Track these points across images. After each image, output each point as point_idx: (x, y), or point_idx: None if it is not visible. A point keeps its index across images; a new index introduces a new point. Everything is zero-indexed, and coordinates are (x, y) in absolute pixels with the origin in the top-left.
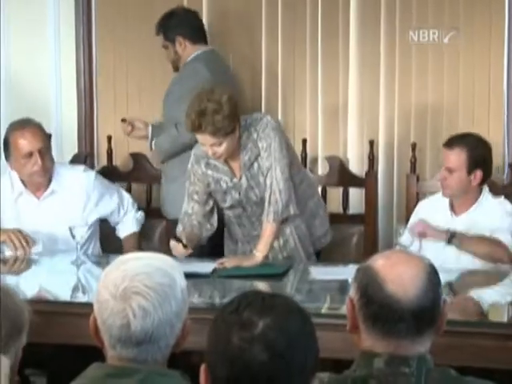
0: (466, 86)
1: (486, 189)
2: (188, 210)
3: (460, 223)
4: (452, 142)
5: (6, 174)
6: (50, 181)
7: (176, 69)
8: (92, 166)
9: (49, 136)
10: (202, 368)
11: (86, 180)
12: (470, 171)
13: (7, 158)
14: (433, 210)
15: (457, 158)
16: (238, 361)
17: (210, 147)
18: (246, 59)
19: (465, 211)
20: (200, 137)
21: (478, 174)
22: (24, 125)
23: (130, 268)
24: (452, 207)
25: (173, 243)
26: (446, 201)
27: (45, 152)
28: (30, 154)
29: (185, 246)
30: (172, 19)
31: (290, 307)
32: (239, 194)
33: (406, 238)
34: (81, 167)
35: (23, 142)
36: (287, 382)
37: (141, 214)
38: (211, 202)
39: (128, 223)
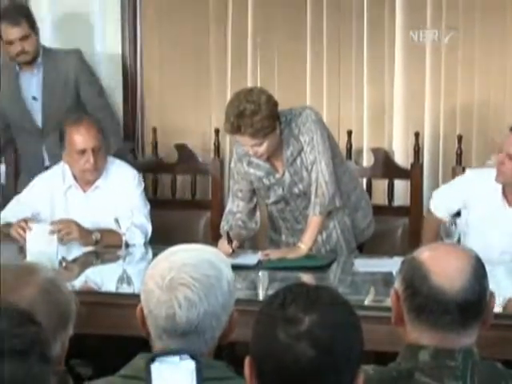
0: None
1: None
2: (233, 208)
3: None
4: None
5: (60, 166)
6: (99, 177)
7: (31, 60)
8: (136, 158)
9: (103, 134)
10: (247, 361)
11: (132, 179)
12: None
13: (62, 149)
14: (483, 190)
15: None
16: (285, 357)
17: (251, 147)
18: (291, 53)
19: None
20: (240, 138)
21: None
22: (81, 120)
23: (177, 259)
24: (505, 195)
25: (221, 240)
26: (499, 187)
27: (98, 150)
28: (83, 151)
29: (229, 242)
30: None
31: (334, 300)
32: (282, 189)
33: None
34: (129, 167)
35: (78, 137)
36: (334, 375)
37: (138, 241)
38: (255, 199)
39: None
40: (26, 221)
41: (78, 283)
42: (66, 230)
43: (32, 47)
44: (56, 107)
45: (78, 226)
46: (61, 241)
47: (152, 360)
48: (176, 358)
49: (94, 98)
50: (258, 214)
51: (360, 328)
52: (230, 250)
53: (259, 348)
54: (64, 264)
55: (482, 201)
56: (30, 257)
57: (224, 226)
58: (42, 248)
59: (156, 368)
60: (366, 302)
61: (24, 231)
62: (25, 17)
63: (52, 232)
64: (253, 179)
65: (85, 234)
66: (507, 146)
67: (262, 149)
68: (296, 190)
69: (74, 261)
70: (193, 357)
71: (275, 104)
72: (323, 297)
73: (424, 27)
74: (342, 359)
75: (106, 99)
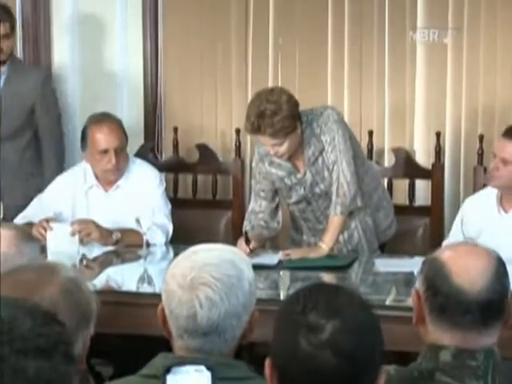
0: None
1: None
2: (255, 207)
3: (510, 221)
4: None
5: (81, 165)
6: (120, 177)
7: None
8: (157, 157)
9: (125, 133)
10: (268, 362)
11: (153, 178)
12: None
13: (83, 148)
14: (479, 206)
15: None
16: (308, 365)
17: (271, 147)
18: (312, 53)
19: None
20: (261, 138)
21: None
22: (103, 119)
23: (198, 259)
24: (501, 202)
25: (240, 240)
26: (494, 196)
27: (120, 150)
28: (106, 151)
29: (247, 242)
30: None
31: (355, 303)
32: (304, 189)
33: (453, 234)
34: (151, 167)
35: (101, 137)
36: (358, 379)
37: (159, 240)
38: (277, 199)
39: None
40: (47, 220)
41: (98, 282)
42: (86, 231)
43: (8, 49)
44: (9, 119)
45: (98, 226)
46: (81, 241)
47: (167, 371)
48: (191, 369)
49: (47, 124)
50: (280, 213)
51: (380, 329)
52: (248, 250)
53: (281, 355)
54: (85, 262)
55: (479, 215)
56: (51, 256)
57: (246, 226)
58: (63, 247)
59: (171, 379)
60: (387, 302)
61: (45, 231)
62: (8, 16)
63: (73, 233)
64: (274, 179)
65: (105, 234)
66: (500, 151)
67: (283, 149)
68: (317, 190)
69: (95, 259)
70: (209, 367)
71: (296, 104)
72: (344, 300)
73: (445, 27)
74: (365, 364)
75: (61, 127)
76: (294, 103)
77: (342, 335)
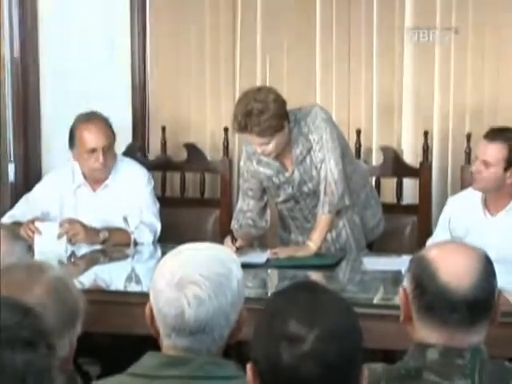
0: None
1: None
2: (243, 206)
3: (497, 224)
4: (494, 135)
5: (69, 165)
6: (108, 175)
7: None
8: (145, 156)
9: (113, 132)
10: (250, 367)
11: (141, 177)
12: (506, 168)
13: (71, 147)
14: (465, 207)
15: (496, 152)
16: (291, 376)
17: (258, 146)
18: (300, 53)
19: (501, 210)
20: (248, 137)
21: None
22: (91, 118)
23: (186, 257)
24: (486, 205)
25: (226, 238)
26: (478, 198)
27: (108, 149)
28: (94, 150)
29: (233, 241)
30: None
31: (335, 308)
32: (292, 188)
33: (438, 233)
34: (139, 166)
35: (88, 136)
36: (342, 383)
37: (147, 239)
38: (265, 198)
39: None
40: (33, 222)
41: (86, 281)
42: (73, 232)
43: None
44: None
45: (84, 226)
46: (69, 241)
47: None
48: None
49: None
50: (268, 212)
51: (360, 328)
52: (234, 248)
53: (263, 364)
54: (73, 260)
55: (465, 217)
56: (39, 255)
57: (234, 225)
58: (50, 247)
59: None
60: (375, 301)
61: (33, 233)
62: None
63: (60, 235)
64: (262, 178)
65: (91, 234)
66: (483, 153)
67: (270, 147)
68: (305, 189)
69: (82, 257)
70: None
71: (283, 103)
72: (323, 303)
73: (433, 26)
74: (348, 368)
75: None
76: (281, 102)
77: (323, 344)
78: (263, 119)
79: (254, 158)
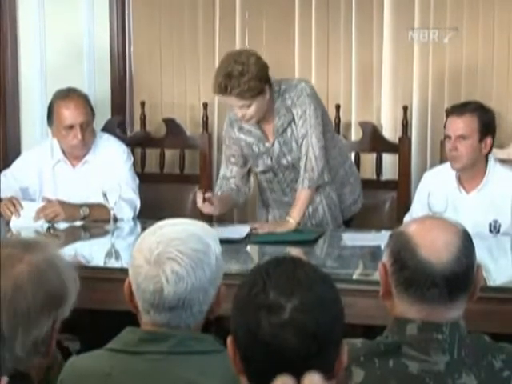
0: (502, 48)
1: (492, 158)
2: (226, 173)
3: (472, 201)
4: (461, 109)
5: (47, 141)
6: (88, 152)
7: None
8: (125, 132)
9: (92, 108)
10: (230, 341)
11: (121, 153)
12: (481, 138)
13: (50, 124)
14: (442, 182)
15: (468, 123)
16: (271, 345)
17: (239, 109)
18: (279, 28)
19: (475, 187)
20: (228, 99)
21: (489, 141)
22: (69, 95)
23: (165, 233)
24: (460, 183)
25: (199, 201)
26: (453, 174)
27: (86, 126)
28: (72, 127)
29: (204, 201)
30: None
31: (314, 278)
32: (271, 159)
33: (415, 209)
34: (118, 142)
35: (66, 112)
36: (321, 356)
37: (127, 215)
38: (248, 164)
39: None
40: (13, 203)
41: (66, 257)
42: (52, 215)
43: None
44: None
45: (63, 204)
46: (49, 222)
47: None
48: None
49: None
50: (251, 179)
51: (340, 301)
52: (201, 197)
53: (242, 335)
54: (52, 231)
55: (441, 190)
56: (15, 229)
57: (218, 192)
58: (28, 223)
59: None
60: (354, 276)
61: (11, 213)
62: None
63: (37, 219)
64: (243, 145)
65: (71, 212)
66: (455, 129)
67: (251, 111)
68: (284, 162)
69: (62, 231)
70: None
71: (264, 66)
72: (303, 275)
73: (413, 2)
74: (327, 340)
75: None
76: (262, 65)
77: (303, 314)
78: (243, 81)
79: (235, 124)
